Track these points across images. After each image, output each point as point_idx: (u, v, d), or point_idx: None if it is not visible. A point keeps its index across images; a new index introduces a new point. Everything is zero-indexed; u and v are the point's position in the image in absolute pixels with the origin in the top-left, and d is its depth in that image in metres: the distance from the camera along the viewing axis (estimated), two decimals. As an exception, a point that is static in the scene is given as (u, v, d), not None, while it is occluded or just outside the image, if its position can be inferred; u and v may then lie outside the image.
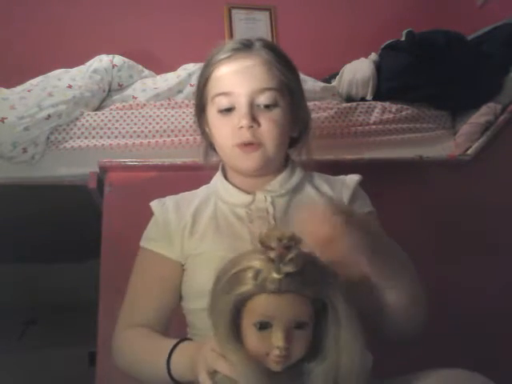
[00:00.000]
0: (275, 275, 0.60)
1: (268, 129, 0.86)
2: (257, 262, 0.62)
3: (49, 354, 2.26)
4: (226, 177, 0.95)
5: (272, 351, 0.61)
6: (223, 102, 0.87)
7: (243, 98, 0.86)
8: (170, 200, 0.95)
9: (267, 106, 0.87)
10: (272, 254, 0.61)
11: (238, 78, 0.87)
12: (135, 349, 0.84)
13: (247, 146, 0.86)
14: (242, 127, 0.85)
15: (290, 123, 0.91)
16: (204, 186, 0.99)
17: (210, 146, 0.98)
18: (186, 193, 0.98)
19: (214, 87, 0.89)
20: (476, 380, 0.67)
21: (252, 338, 0.62)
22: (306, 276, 0.62)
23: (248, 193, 0.91)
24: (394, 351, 0.92)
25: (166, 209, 0.93)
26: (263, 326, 0.62)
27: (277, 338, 0.61)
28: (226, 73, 0.88)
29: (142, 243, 0.94)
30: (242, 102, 0.86)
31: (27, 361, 2.20)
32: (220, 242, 0.85)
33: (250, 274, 0.62)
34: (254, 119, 0.85)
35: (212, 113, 0.90)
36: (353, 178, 0.95)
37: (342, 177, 0.97)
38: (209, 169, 1.00)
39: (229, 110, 0.87)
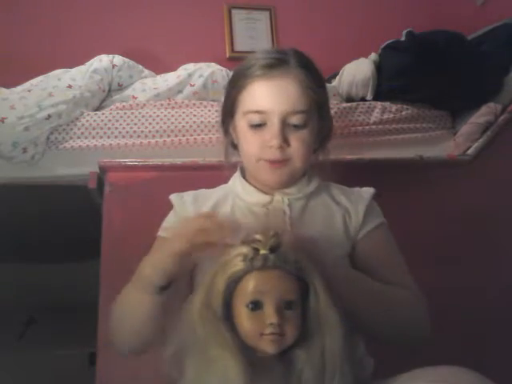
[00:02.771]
0: (262, 251, 0.66)
1: (297, 148, 0.89)
2: (243, 249, 0.67)
3: (49, 354, 2.26)
4: (244, 178, 0.98)
5: (266, 330, 0.63)
6: (255, 119, 0.89)
7: (276, 118, 0.87)
8: (188, 194, 0.97)
9: (297, 127, 0.89)
10: (258, 235, 0.67)
11: (272, 98, 0.88)
12: (121, 297, 0.83)
13: (275, 162, 0.89)
14: (272, 146, 0.87)
15: (316, 138, 0.94)
16: (221, 186, 1.01)
17: (232, 145, 1.00)
18: (204, 189, 1.00)
19: (247, 102, 0.90)
20: (472, 377, 0.67)
21: (245, 319, 0.65)
22: (289, 255, 0.67)
23: (266, 193, 0.93)
24: (393, 351, 0.92)
25: (185, 202, 0.95)
26: (255, 306, 0.64)
27: (269, 316, 0.63)
28: (260, 90, 0.89)
29: (160, 233, 0.94)
30: (274, 121, 0.87)
31: (27, 361, 2.20)
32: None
33: (238, 259, 0.67)
34: (284, 139, 0.88)
35: (242, 125, 0.92)
36: (368, 191, 0.97)
37: (357, 189, 0.99)
38: (227, 169, 1.02)
39: (259, 126, 0.89)
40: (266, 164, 0.89)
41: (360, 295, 0.79)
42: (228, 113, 0.96)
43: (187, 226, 0.72)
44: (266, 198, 0.93)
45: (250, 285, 0.65)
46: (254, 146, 0.89)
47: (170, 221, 0.95)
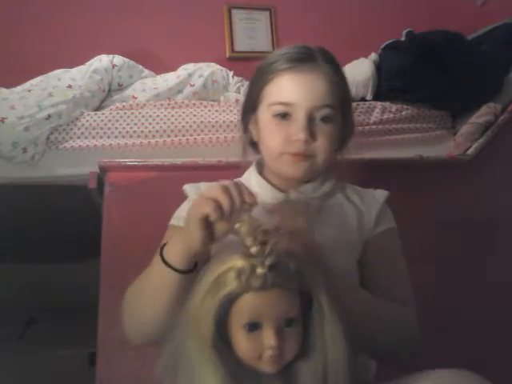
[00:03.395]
0: (259, 270, 0.60)
1: (322, 143, 0.87)
2: (238, 262, 0.61)
3: (49, 353, 2.25)
4: (259, 173, 0.96)
5: (265, 352, 0.60)
6: (281, 109, 0.88)
7: (302, 112, 0.86)
8: (203, 185, 0.96)
9: (323, 121, 0.87)
10: (253, 249, 0.61)
11: (299, 91, 0.87)
12: (136, 282, 0.81)
13: (299, 155, 0.87)
14: (297, 139, 0.86)
15: (338, 136, 0.93)
16: (235, 180, 0.99)
17: (250, 143, 0.98)
18: (217, 182, 0.98)
19: (273, 95, 0.89)
20: (473, 380, 0.67)
21: (243, 341, 0.61)
22: (290, 269, 0.61)
23: (281, 191, 0.92)
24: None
25: (200, 192, 0.93)
26: (253, 328, 0.60)
27: (268, 338, 0.60)
28: (287, 83, 0.88)
29: (173, 222, 0.93)
30: (300, 114, 0.86)
31: (27, 361, 2.19)
32: None
33: (232, 275, 0.60)
34: (311, 134, 0.86)
35: (266, 117, 0.90)
36: (382, 194, 0.96)
37: (371, 190, 0.98)
38: (244, 166, 1.00)
39: (284, 116, 0.88)
40: (289, 157, 0.87)
41: (358, 306, 0.77)
42: (249, 108, 0.95)
43: (209, 190, 0.70)
44: (280, 196, 0.91)
45: (246, 306, 0.60)
46: (278, 138, 0.88)
47: (184, 210, 0.93)
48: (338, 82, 0.90)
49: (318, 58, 0.89)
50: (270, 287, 0.60)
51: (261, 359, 0.61)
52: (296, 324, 0.62)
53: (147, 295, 0.78)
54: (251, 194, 0.69)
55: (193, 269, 0.73)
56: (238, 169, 1.02)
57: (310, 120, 0.86)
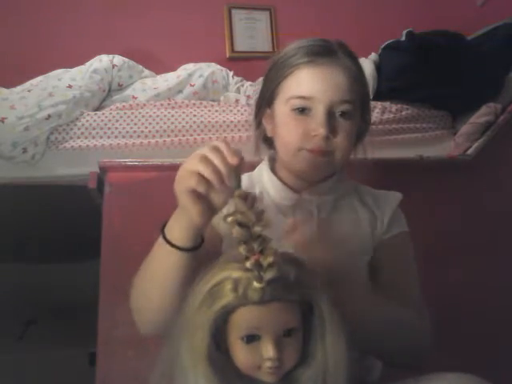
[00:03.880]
0: (257, 285, 0.57)
1: (341, 140, 0.84)
2: (234, 272, 0.59)
3: (49, 354, 2.26)
4: (272, 169, 0.94)
5: (263, 364, 0.59)
6: (299, 103, 0.84)
7: (322, 106, 0.83)
8: None
9: (342, 117, 0.84)
10: (249, 264, 0.57)
11: (319, 85, 0.83)
12: (142, 270, 0.79)
13: (317, 151, 0.84)
14: (317, 135, 0.83)
15: (356, 132, 0.90)
16: (246, 174, 0.94)
17: (263, 139, 0.96)
18: None
19: (291, 88, 0.86)
20: (476, 382, 0.67)
21: (241, 352, 0.60)
22: (289, 279, 0.59)
23: (294, 190, 0.90)
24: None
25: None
26: (251, 339, 0.59)
27: (267, 350, 0.58)
28: (306, 77, 0.84)
29: None
30: (320, 109, 0.83)
31: (27, 361, 2.20)
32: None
33: (228, 286, 0.58)
34: (331, 129, 0.83)
35: (283, 111, 0.87)
36: (396, 196, 0.95)
37: (384, 192, 0.96)
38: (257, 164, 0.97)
39: (303, 111, 0.84)
40: (307, 153, 0.84)
41: (365, 309, 0.75)
42: (264, 103, 0.91)
43: (188, 162, 0.67)
44: (293, 197, 0.89)
45: (244, 319, 0.59)
46: (296, 134, 0.84)
47: None
48: (358, 77, 0.87)
49: (337, 52, 0.86)
50: (267, 301, 0.58)
51: (260, 369, 0.60)
52: (296, 333, 0.61)
53: (154, 280, 0.75)
54: (235, 154, 0.65)
55: (198, 246, 0.71)
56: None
57: (330, 115, 0.83)
